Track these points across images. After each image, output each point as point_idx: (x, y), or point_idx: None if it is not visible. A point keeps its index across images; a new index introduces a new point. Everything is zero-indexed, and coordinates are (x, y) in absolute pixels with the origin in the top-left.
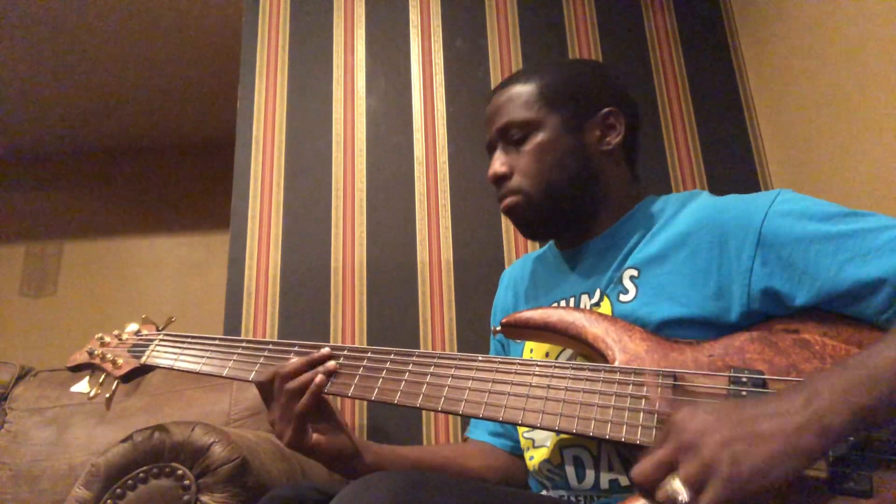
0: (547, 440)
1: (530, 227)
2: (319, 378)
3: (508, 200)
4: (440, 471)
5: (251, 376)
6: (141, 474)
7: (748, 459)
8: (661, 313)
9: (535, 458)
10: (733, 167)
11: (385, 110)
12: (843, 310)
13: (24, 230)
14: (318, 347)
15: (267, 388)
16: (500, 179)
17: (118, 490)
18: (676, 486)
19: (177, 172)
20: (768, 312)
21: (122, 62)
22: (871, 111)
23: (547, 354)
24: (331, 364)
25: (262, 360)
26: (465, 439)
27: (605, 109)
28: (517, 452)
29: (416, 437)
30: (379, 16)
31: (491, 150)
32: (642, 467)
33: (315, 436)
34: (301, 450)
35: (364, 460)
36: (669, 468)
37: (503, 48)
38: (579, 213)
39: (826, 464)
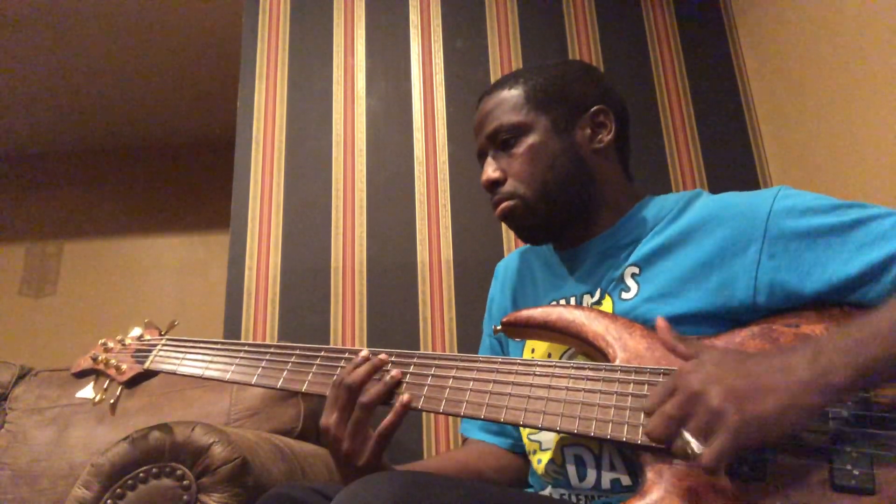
0: (552, 443)
1: (529, 231)
2: (406, 397)
3: (504, 205)
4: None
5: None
6: (141, 474)
7: (755, 410)
8: (661, 310)
9: (542, 461)
10: (733, 167)
11: (385, 110)
12: (851, 295)
13: (24, 230)
14: (318, 350)
15: (341, 402)
16: (494, 185)
17: (118, 490)
18: (687, 437)
19: (177, 172)
20: (771, 306)
21: (122, 62)
22: (871, 111)
23: (549, 356)
24: (396, 373)
25: (263, 363)
26: (464, 441)
27: (594, 108)
28: (516, 450)
29: (416, 438)
30: (379, 16)
31: (482, 157)
32: (654, 424)
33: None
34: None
35: None
36: (679, 421)
37: (503, 48)
38: (577, 213)
39: (829, 461)
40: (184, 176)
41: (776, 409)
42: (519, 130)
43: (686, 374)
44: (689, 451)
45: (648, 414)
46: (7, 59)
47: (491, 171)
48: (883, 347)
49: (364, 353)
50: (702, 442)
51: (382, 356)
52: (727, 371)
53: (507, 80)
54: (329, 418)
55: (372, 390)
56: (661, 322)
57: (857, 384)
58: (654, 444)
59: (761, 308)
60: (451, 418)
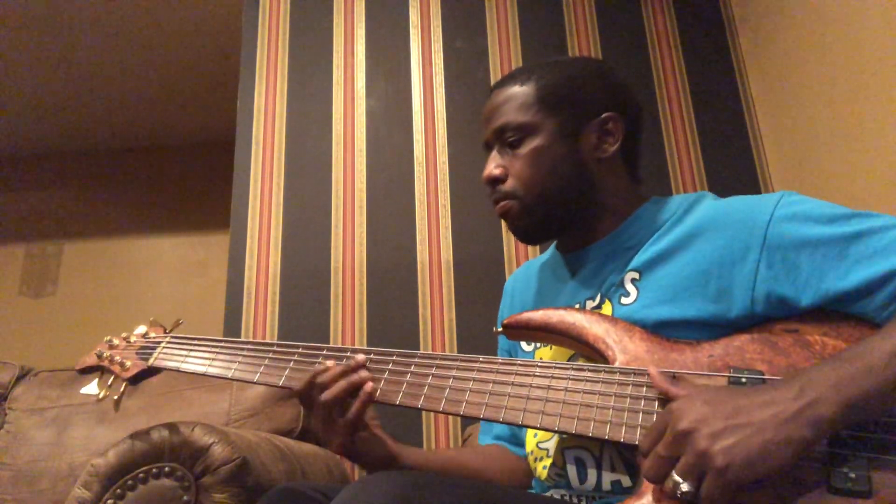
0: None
1: (524, 232)
2: (370, 385)
3: (503, 204)
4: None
5: (256, 378)
6: (141, 474)
7: (741, 450)
8: (659, 314)
9: (547, 466)
10: (733, 167)
11: (385, 110)
12: (848, 308)
13: (24, 230)
14: (321, 349)
15: (305, 396)
16: (495, 182)
17: (118, 490)
18: (676, 479)
19: (177, 172)
20: (770, 315)
21: (122, 62)
22: (871, 111)
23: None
24: (365, 373)
25: (266, 361)
26: (464, 440)
27: (604, 115)
28: None
29: (415, 437)
30: (379, 16)
31: (488, 149)
32: (648, 465)
33: (362, 444)
34: (351, 457)
35: (402, 466)
36: (669, 461)
37: (503, 48)
38: (575, 219)
39: (824, 464)
40: (184, 176)
41: (762, 445)
42: (525, 131)
43: (675, 412)
44: (679, 494)
45: (645, 454)
46: (7, 60)
47: (493, 167)
48: (874, 381)
49: (355, 358)
50: (692, 483)
51: (360, 357)
52: (716, 409)
53: (519, 75)
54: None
55: (333, 388)
56: (653, 370)
57: (846, 418)
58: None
59: (759, 316)
60: (451, 419)
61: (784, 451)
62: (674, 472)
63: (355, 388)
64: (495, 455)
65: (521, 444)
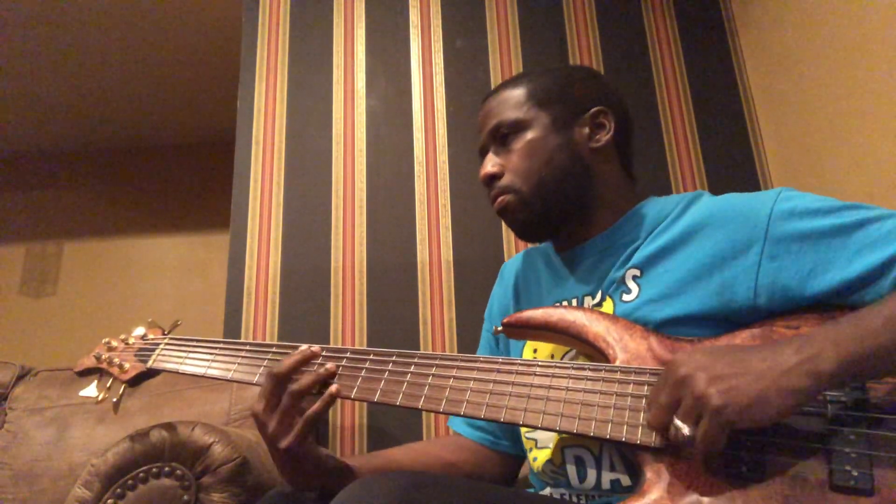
0: (549, 441)
1: (524, 226)
2: (335, 387)
3: (501, 199)
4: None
5: (256, 379)
6: (141, 474)
7: (738, 394)
8: (662, 312)
9: (538, 459)
10: (733, 167)
11: (385, 110)
12: (852, 298)
13: (24, 230)
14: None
15: (268, 390)
16: (492, 179)
17: (118, 490)
18: (678, 423)
19: (177, 172)
20: (772, 308)
21: (122, 62)
22: (872, 111)
23: (552, 356)
24: (330, 366)
25: (265, 362)
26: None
27: (594, 108)
28: (496, 448)
29: (416, 437)
30: (379, 16)
31: (483, 153)
32: (651, 414)
33: (308, 448)
34: (298, 453)
35: (341, 474)
36: (671, 409)
37: (503, 48)
38: (573, 211)
39: (827, 461)
40: (184, 176)
41: (760, 392)
42: (518, 126)
43: (676, 363)
44: (681, 437)
45: (648, 406)
46: (7, 60)
47: (490, 166)
48: (872, 342)
49: (303, 347)
50: (691, 427)
51: (315, 348)
52: (715, 359)
53: (511, 81)
54: (258, 405)
55: (302, 379)
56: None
57: (845, 373)
58: (652, 444)
59: (762, 309)
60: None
61: (782, 400)
62: (675, 417)
63: (322, 382)
64: (441, 447)
65: (488, 432)
